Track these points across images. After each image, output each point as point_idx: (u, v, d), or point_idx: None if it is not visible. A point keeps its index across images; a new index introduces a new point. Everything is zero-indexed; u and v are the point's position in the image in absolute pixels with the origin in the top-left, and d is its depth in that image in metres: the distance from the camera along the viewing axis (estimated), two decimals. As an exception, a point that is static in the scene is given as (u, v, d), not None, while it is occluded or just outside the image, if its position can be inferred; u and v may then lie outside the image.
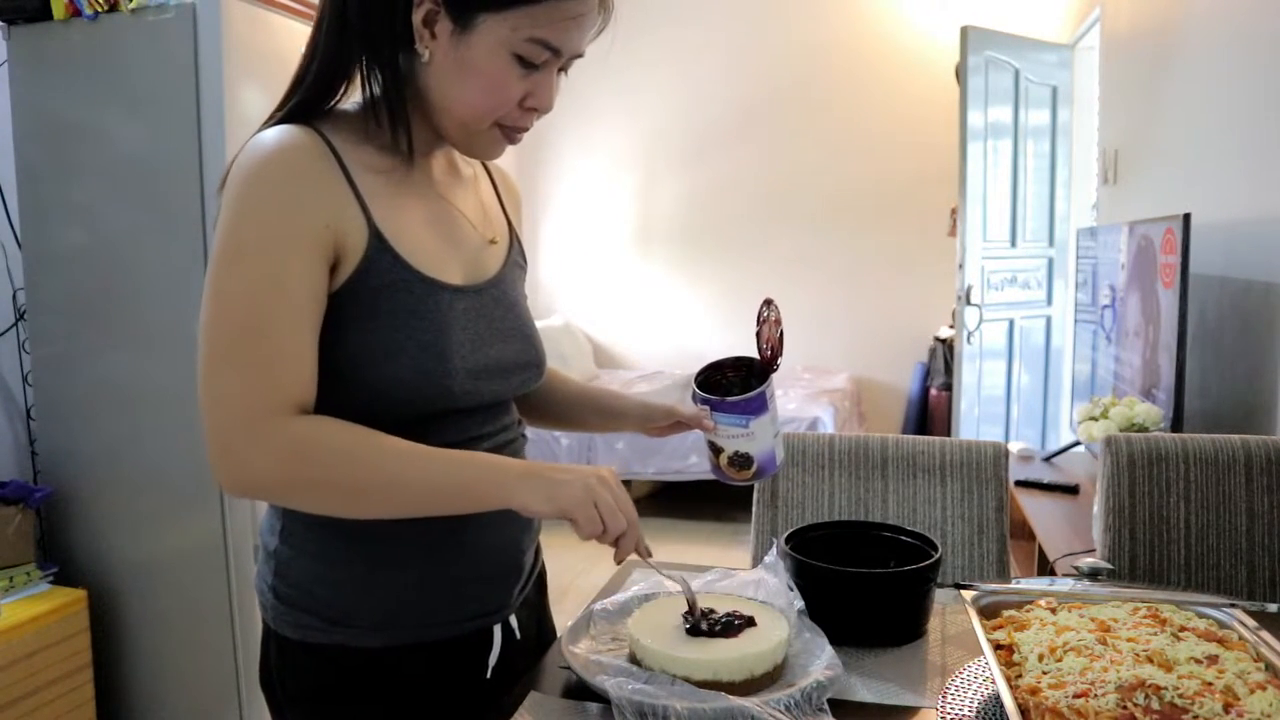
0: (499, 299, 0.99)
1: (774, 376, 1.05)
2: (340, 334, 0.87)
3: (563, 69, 0.92)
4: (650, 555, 0.93)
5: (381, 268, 0.88)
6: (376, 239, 0.88)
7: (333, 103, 0.92)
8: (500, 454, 0.98)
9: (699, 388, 1.07)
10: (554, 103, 0.91)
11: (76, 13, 2.05)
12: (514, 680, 1.01)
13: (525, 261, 1.10)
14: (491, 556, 0.98)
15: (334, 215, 0.85)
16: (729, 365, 1.11)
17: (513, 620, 1.03)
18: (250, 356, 0.81)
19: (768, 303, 1.07)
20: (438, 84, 0.89)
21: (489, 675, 1.00)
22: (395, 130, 0.90)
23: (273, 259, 0.82)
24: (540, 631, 1.14)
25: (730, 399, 1.02)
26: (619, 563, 0.89)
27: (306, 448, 0.82)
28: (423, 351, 0.88)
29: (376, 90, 0.90)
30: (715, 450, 1.07)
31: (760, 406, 1.02)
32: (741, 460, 1.05)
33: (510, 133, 0.92)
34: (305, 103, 0.90)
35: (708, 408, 1.06)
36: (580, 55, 0.91)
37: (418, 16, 0.86)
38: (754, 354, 1.09)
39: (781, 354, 1.06)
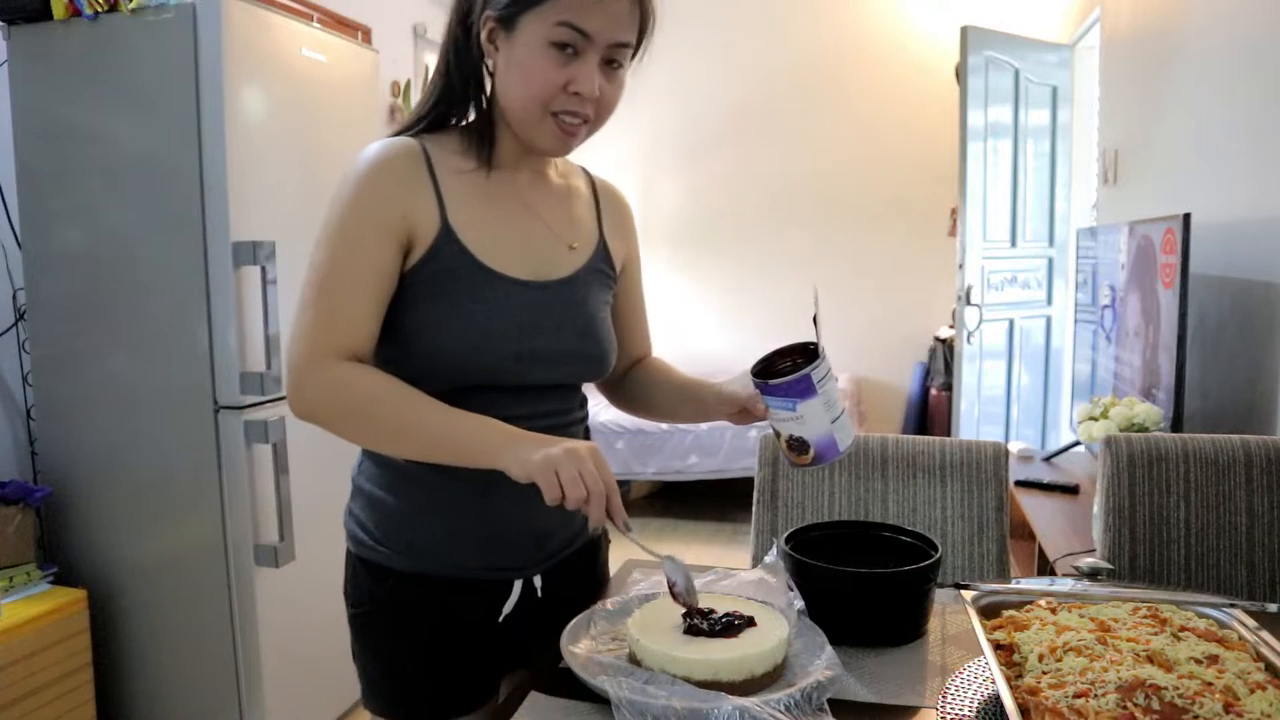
0: (565, 297, 1.11)
1: (827, 362, 1.03)
2: (408, 308, 1.04)
3: (612, 62, 1.02)
4: (629, 529, 0.96)
5: (446, 255, 1.03)
6: (446, 230, 1.04)
7: (453, 122, 1.11)
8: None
9: (755, 373, 1.07)
10: (597, 89, 1.01)
11: (76, 13, 2.05)
12: (526, 630, 1.14)
13: (613, 271, 1.20)
14: (510, 521, 1.09)
15: (410, 209, 1.03)
16: (795, 351, 1.10)
17: (536, 580, 1.14)
18: (320, 308, 1.00)
19: (815, 288, 1.08)
20: (501, 88, 1.05)
21: (501, 620, 1.12)
22: (471, 139, 1.08)
23: (352, 240, 1.01)
24: (581, 598, 1.18)
25: (773, 382, 1.02)
26: (591, 529, 0.96)
27: (342, 385, 0.98)
28: (471, 329, 1.03)
29: (466, 110, 1.10)
30: (776, 434, 1.08)
31: (806, 390, 1.01)
32: (798, 444, 1.05)
33: (562, 121, 1.03)
34: (427, 122, 1.10)
35: (759, 392, 1.07)
36: (622, 44, 1.01)
37: (484, 35, 1.03)
38: (813, 341, 1.09)
39: (819, 339, 1.05)
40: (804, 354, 1.09)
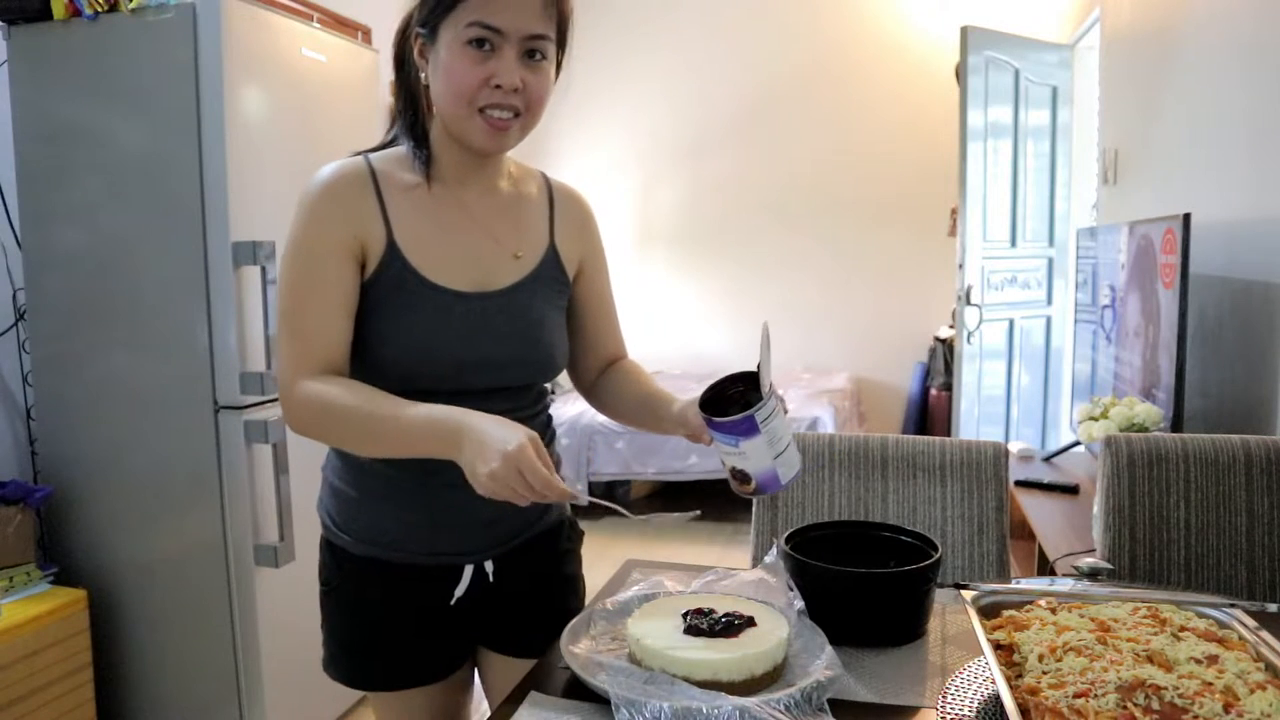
0: (506, 306, 1.14)
1: (773, 402, 1.02)
2: (363, 320, 1.10)
3: (533, 54, 1.05)
4: (580, 500, 1.01)
5: (393, 272, 1.09)
6: (392, 248, 1.09)
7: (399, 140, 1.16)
8: None
9: (704, 402, 1.07)
10: (517, 80, 1.04)
11: (76, 13, 2.05)
12: (480, 613, 1.21)
13: (564, 276, 1.22)
14: (457, 510, 1.14)
15: (361, 228, 1.09)
16: (747, 379, 1.09)
17: (487, 565, 1.19)
18: (293, 330, 1.07)
19: (765, 325, 1.08)
20: (434, 96, 1.09)
21: (453, 603, 1.19)
22: (414, 155, 1.13)
23: (312, 261, 1.08)
24: (538, 582, 1.24)
25: (718, 420, 1.02)
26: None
27: (315, 401, 1.04)
28: (413, 342, 1.09)
29: (417, 129, 1.14)
30: (722, 462, 1.08)
31: (749, 429, 1.01)
32: (740, 475, 1.05)
33: (490, 116, 1.06)
34: (385, 144, 1.18)
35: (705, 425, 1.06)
36: (536, 35, 1.04)
37: (415, 51, 1.09)
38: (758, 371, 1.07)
39: (766, 376, 1.04)
40: (754, 383, 1.07)
